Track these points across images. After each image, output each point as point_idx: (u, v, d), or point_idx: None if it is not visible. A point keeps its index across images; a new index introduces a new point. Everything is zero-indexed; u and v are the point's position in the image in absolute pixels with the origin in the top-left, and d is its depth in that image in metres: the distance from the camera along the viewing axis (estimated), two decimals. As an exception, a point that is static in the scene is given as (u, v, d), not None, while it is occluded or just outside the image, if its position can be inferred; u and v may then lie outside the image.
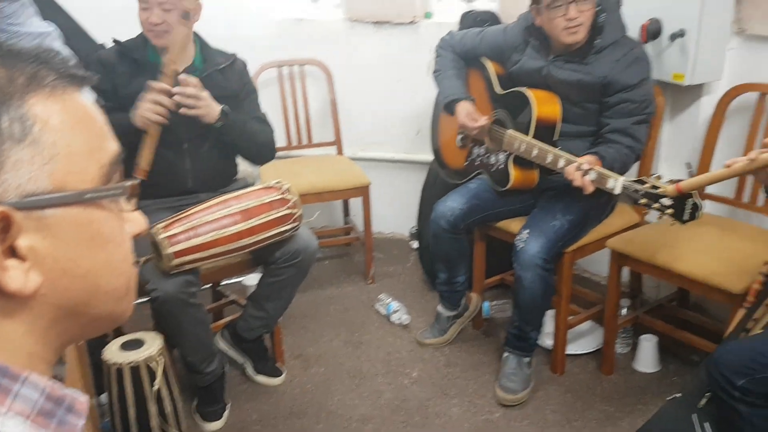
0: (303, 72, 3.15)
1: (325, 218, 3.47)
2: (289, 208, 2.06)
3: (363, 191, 2.91)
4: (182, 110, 2.04)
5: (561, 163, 1.99)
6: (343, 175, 2.93)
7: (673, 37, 2.19)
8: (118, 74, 2.12)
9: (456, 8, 2.95)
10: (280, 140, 2.40)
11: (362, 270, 3.08)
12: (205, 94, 2.06)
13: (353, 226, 3.27)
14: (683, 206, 1.67)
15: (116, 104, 2.07)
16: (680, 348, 2.35)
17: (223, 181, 2.28)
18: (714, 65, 2.26)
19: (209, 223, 1.98)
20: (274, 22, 3.20)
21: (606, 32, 2.07)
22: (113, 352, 1.89)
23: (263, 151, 2.27)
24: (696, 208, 1.67)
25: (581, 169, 1.88)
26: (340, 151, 3.19)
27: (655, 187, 1.72)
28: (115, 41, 2.16)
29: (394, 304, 2.73)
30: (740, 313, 1.80)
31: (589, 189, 1.88)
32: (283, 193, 2.07)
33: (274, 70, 3.09)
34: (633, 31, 2.24)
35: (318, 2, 3.24)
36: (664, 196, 1.70)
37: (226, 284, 2.72)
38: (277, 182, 2.11)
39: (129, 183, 0.60)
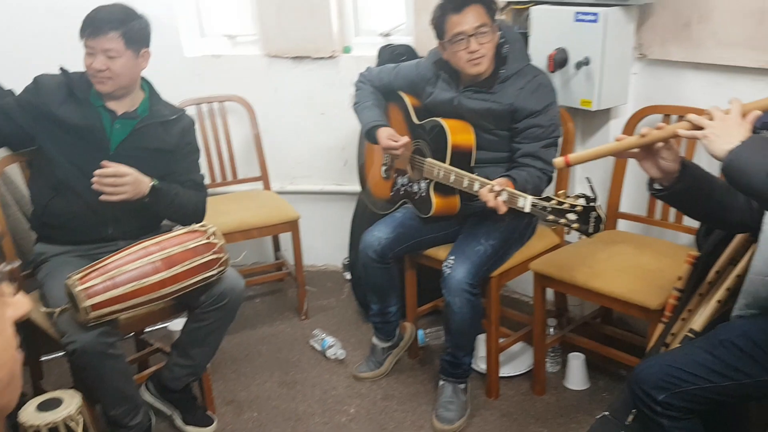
0: (224, 108, 3.12)
1: (255, 254, 3.42)
2: (214, 252, 2.00)
3: (292, 226, 2.88)
4: (102, 197, 2.01)
5: (476, 187, 2.04)
6: (271, 211, 2.89)
7: (579, 65, 2.29)
8: (52, 94, 2.07)
9: (374, 42, 2.99)
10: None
11: (295, 306, 3.04)
12: (129, 178, 2.01)
13: (284, 261, 3.22)
14: (588, 219, 1.73)
15: (31, 114, 2.06)
16: (608, 363, 2.42)
17: (148, 228, 2.19)
18: (619, 90, 2.37)
19: (129, 272, 1.90)
20: (191, 60, 3.18)
21: (510, 62, 2.16)
22: (30, 414, 1.79)
23: (191, 219, 2.15)
24: (599, 220, 1.73)
25: (494, 191, 1.93)
26: (267, 186, 3.16)
27: (561, 203, 1.77)
28: (62, 70, 2.10)
29: (329, 340, 2.70)
30: (659, 329, 1.87)
31: (503, 209, 1.92)
32: (208, 237, 2.01)
33: (193, 108, 3.04)
34: (541, 61, 2.33)
35: (235, 39, 3.22)
36: (570, 211, 1.75)
37: (151, 331, 2.62)
38: (202, 226, 2.05)
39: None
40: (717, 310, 1.71)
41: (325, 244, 3.36)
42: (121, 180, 2.00)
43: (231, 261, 2.08)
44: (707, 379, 1.48)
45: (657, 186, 1.49)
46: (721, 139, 1.25)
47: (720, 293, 1.72)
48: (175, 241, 1.98)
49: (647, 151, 1.42)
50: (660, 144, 1.39)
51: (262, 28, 3.10)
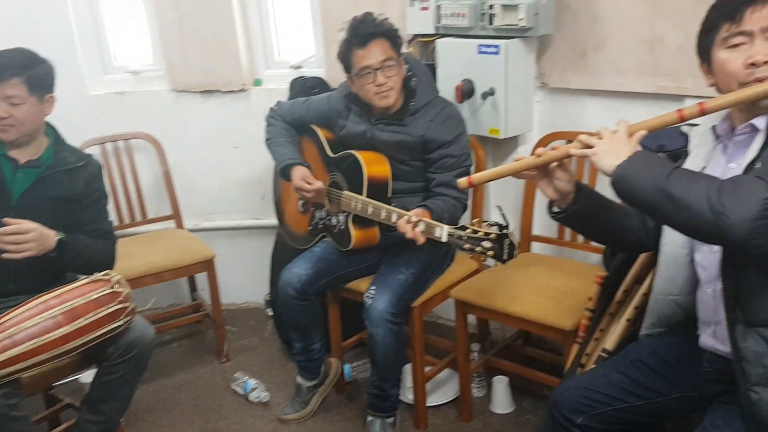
0: (130, 146, 3.01)
1: (171, 296, 3.29)
2: (120, 302, 1.90)
3: (207, 265, 2.79)
4: (4, 256, 1.89)
5: (394, 218, 2.04)
6: (184, 251, 2.79)
7: (485, 95, 2.35)
8: None
9: (285, 75, 2.97)
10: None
11: (215, 348, 2.93)
12: (33, 234, 1.90)
13: (202, 302, 3.11)
14: (502, 247, 1.77)
15: None
16: (531, 384, 2.46)
17: (51, 281, 2.03)
18: (524, 118, 2.45)
19: (29, 329, 1.77)
20: (95, 98, 3.07)
21: (419, 94, 2.20)
22: None
23: (100, 270, 2.03)
24: (512, 246, 1.77)
25: (411, 222, 1.94)
26: (179, 225, 3.06)
27: (476, 231, 1.80)
28: None
29: (252, 382, 2.62)
30: (574, 349, 1.91)
31: (421, 240, 1.93)
32: (112, 286, 1.91)
33: (97, 147, 2.92)
34: (449, 91, 2.38)
35: (140, 74, 3.12)
36: (485, 239, 1.78)
37: (60, 385, 2.46)
38: (105, 274, 1.95)
39: None
40: (627, 328, 1.77)
41: (245, 281, 3.28)
42: (24, 237, 1.89)
43: (142, 307, 1.98)
44: (622, 399, 1.52)
45: (555, 209, 1.53)
46: (609, 155, 1.29)
47: (629, 312, 1.78)
48: (77, 292, 1.87)
49: (543, 172, 1.46)
50: (554, 164, 1.44)
51: (167, 63, 3.03)
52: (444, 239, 1.87)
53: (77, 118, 2.89)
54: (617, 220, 1.55)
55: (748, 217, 1.11)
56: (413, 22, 2.59)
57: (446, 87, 2.41)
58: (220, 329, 2.86)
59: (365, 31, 2.11)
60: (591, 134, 1.37)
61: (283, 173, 2.38)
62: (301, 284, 2.29)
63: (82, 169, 2.09)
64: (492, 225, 1.78)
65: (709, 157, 1.43)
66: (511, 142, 2.54)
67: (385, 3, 2.67)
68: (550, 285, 2.21)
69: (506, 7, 2.26)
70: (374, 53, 2.10)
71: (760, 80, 1.27)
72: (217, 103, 3.05)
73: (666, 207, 1.20)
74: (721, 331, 1.38)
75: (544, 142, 2.42)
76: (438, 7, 2.47)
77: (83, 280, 1.93)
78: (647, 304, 1.70)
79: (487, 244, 1.78)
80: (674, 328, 1.58)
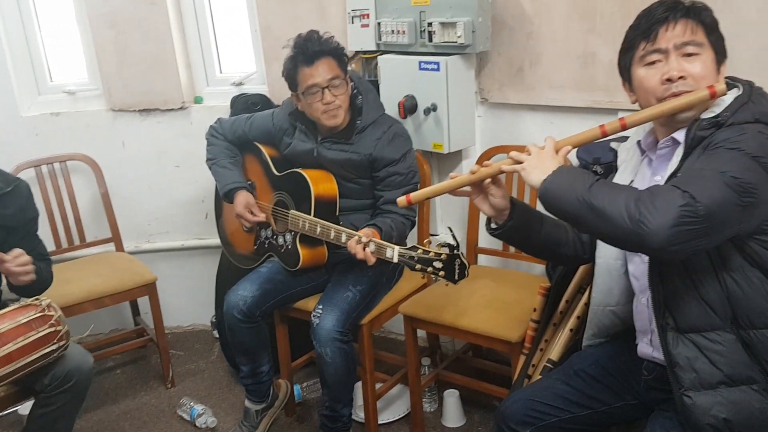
0: (66, 168, 2.91)
1: (112, 321, 3.19)
2: (51, 325, 1.83)
3: (149, 288, 2.71)
4: (22, 278, 1.91)
5: (344, 238, 2.03)
6: (124, 274, 2.71)
7: (427, 111, 2.38)
8: None
9: (226, 92, 2.94)
10: (47, 245, 2.17)
11: (160, 373, 2.85)
12: (27, 258, 1.90)
13: (144, 327, 3.02)
14: (453, 267, 1.78)
15: None
16: (482, 397, 2.48)
17: None
18: (467, 132, 2.48)
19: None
20: (29, 119, 2.96)
21: (365, 113, 2.20)
22: None
23: (36, 293, 1.99)
24: (463, 267, 1.78)
25: (361, 242, 1.93)
26: (119, 248, 2.97)
27: (427, 252, 1.81)
28: None
29: (198, 408, 2.55)
30: (521, 360, 1.94)
31: (371, 260, 1.93)
32: (43, 310, 1.84)
33: (31, 170, 2.81)
34: (392, 107, 2.39)
35: (76, 94, 3.03)
36: (436, 260, 1.79)
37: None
38: (35, 299, 1.88)
39: None
40: (570, 338, 1.80)
41: (190, 303, 3.21)
42: (25, 259, 1.86)
43: (81, 334, 1.92)
44: (567, 410, 1.54)
45: (493, 225, 1.57)
46: (536, 170, 1.33)
47: (571, 322, 1.82)
48: (6, 317, 1.82)
49: (479, 189, 1.49)
50: (488, 181, 1.48)
51: (103, 82, 2.95)
52: (395, 260, 1.87)
53: (10, 140, 2.81)
54: (553, 235, 1.59)
55: (666, 224, 1.15)
56: (354, 39, 2.60)
57: (389, 103, 2.42)
58: (164, 354, 2.78)
59: (312, 49, 2.10)
60: (521, 150, 1.41)
61: (226, 197, 2.35)
62: (247, 307, 2.25)
63: (13, 195, 2.01)
64: (443, 246, 1.79)
65: (636, 171, 1.49)
66: (455, 157, 2.57)
67: (325, 20, 2.68)
68: (496, 297, 2.23)
69: (444, 25, 2.30)
70: (321, 71, 2.09)
71: (675, 95, 1.32)
72: (157, 121, 2.99)
73: (589, 218, 1.24)
74: (657, 340, 1.42)
75: (486, 155, 2.45)
76: (378, 25, 2.49)
77: (11, 306, 1.87)
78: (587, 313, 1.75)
79: (438, 264, 1.79)
80: (615, 338, 1.62)
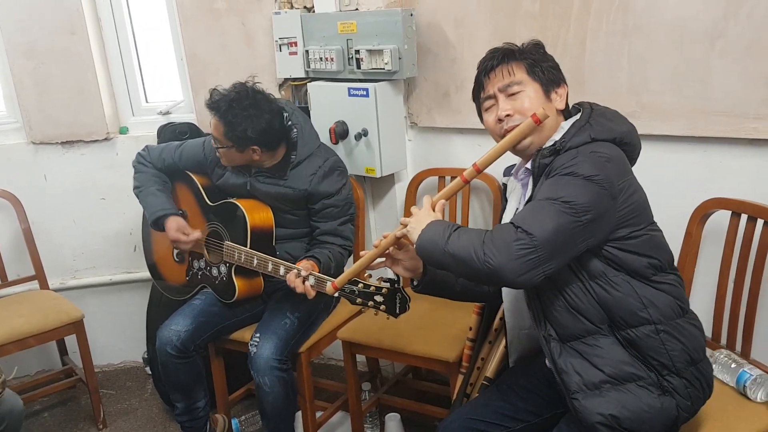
0: (-18, 205, 2.77)
1: (39, 362, 3.05)
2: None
3: (76, 326, 2.60)
4: None
5: (282, 271, 2.02)
6: (49, 313, 2.58)
7: (358, 136, 2.41)
8: None
9: (153, 121, 2.88)
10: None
11: (91, 414, 2.73)
12: None
13: (73, 367, 2.89)
14: (394, 301, 1.80)
15: None
16: (423, 418, 2.48)
17: None
18: (398, 156, 2.52)
19: None
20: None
21: (300, 147, 2.18)
22: None
23: None
24: (405, 300, 1.80)
25: (300, 276, 1.92)
26: (44, 285, 2.84)
27: (367, 286, 1.82)
28: None
29: (132, 448, 2.45)
30: (459, 380, 1.96)
31: (311, 294, 1.93)
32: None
33: (-57, 209, 2.67)
34: (323, 133, 2.41)
35: (-9, 126, 2.90)
36: (377, 294, 1.80)
37: None
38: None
39: None
40: (505, 355, 1.84)
41: (121, 339, 3.10)
42: None
43: (7, 377, 1.83)
44: (504, 425, 1.58)
45: (415, 282, 1.65)
46: (415, 230, 1.45)
47: (506, 339, 1.86)
48: None
49: (390, 258, 1.61)
50: (393, 249, 1.58)
51: (23, 114, 2.84)
52: (336, 294, 1.87)
53: None
54: (457, 282, 1.66)
55: (506, 260, 1.27)
56: (283, 67, 2.61)
57: (320, 129, 2.43)
58: (94, 394, 2.67)
59: (223, 111, 2.08)
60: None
61: (155, 225, 2.29)
62: (181, 342, 2.19)
63: None
64: (385, 280, 1.80)
65: (520, 194, 1.60)
66: (388, 180, 2.60)
67: (253, 48, 2.68)
68: (433, 318, 2.26)
69: (372, 52, 2.34)
70: (214, 127, 2.12)
71: (508, 131, 1.47)
72: (80, 153, 2.90)
73: (452, 264, 1.36)
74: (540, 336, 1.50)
75: (418, 179, 2.50)
76: (306, 52, 2.51)
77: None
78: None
79: (379, 298, 1.79)
80: (539, 354, 1.67)
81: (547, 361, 1.48)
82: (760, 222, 1.77)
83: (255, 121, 2.05)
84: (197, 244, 2.29)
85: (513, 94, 1.48)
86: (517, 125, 1.45)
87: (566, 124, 1.48)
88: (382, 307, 1.78)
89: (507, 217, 1.63)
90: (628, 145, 1.46)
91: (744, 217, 1.81)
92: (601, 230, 1.36)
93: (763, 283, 1.77)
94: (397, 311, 1.77)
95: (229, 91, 2.09)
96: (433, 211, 1.48)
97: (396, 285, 1.77)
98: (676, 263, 1.56)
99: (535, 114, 1.42)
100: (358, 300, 1.81)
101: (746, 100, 1.89)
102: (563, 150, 1.40)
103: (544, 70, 1.50)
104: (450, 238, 1.37)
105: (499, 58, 1.52)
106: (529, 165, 1.48)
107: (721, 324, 1.87)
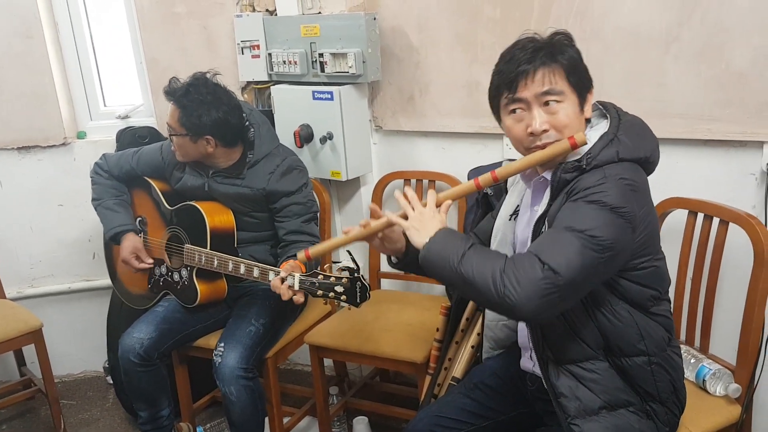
0: (-66, 213, 2.68)
1: (-5, 374, 2.96)
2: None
3: (35, 336, 2.52)
4: None
5: (242, 269, 2.00)
6: (6, 322, 2.50)
7: (323, 140, 2.40)
8: None
9: (112, 125, 2.83)
10: None
11: (51, 426, 2.65)
12: None
13: (32, 377, 2.81)
14: (354, 291, 1.79)
15: None
16: (391, 421, 2.49)
17: None
18: (363, 159, 2.53)
19: None
20: None
21: (257, 146, 2.17)
22: None
23: None
24: (365, 289, 1.80)
25: (280, 277, 1.86)
26: (0, 294, 2.75)
27: (327, 277, 1.81)
28: None
29: (94, 460, 2.40)
30: (427, 381, 1.97)
31: (301, 300, 1.85)
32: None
33: None
34: (288, 137, 2.40)
35: (-58, 132, 2.81)
36: (338, 284, 1.80)
37: None
38: None
39: None
40: (472, 355, 1.86)
41: (81, 349, 3.03)
42: None
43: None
44: (469, 422, 1.59)
45: (393, 259, 1.62)
46: (420, 232, 1.36)
47: (473, 339, 1.88)
48: None
49: (372, 237, 1.53)
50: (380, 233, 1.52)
51: (-24, 119, 2.76)
52: (296, 287, 1.85)
53: None
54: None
55: (528, 298, 1.19)
56: (245, 70, 2.59)
57: (285, 132, 2.43)
58: (54, 404, 2.60)
59: (179, 97, 2.08)
60: (424, 184, 1.46)
61: (113, 240, 2.27)
62: (144, 350, 2.15)
63: None
64: (343, 269, 1.80)
65: (522, 196, 1.56)
66: (354, 184, 2.60)
67: (214, 51, 2.66)
68: (400, 320, 2.27)
69: (336, 56, 2.35)
70: (169, 115, 2.11)
71: (539, 147, 1.36)
72: (37, 159, 2.82)
73: (461, 287, 1.29)
74: (537, 357, 1.48)
75: (383, 182, 2.51)
76: (269, 55, 2.50)
77: None
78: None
79: (339, 288, 1.79)
80: (512, 348, 1.69)
81: (544, 383, 1.45)
82: (716, 220, 1.82)
83: (211, 110, 2.03)
84: (157, 250, 2.26)
85: (549, 104, 1.34)
86: (551, 143, 1.34)
87: (593, 135, 1.36)
88: (343, 297, 1.78)
89: (504, 212, 1.58)
90: (652, 164, 1.38)
91: (701, 216, 1.87)
92: (617, 265, 1.30)
93: (720, 280, 1.82)
94: (358, 300, 1.77)
95: (188, 78, 2.08)
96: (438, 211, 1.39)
97: (355, 274, 1.77)
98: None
99: (573, 138, 1.31)
100: (319, 292, 1.80)
101: (700, 103, 1.95)
102: (588, 167, 1.31)
103: (581, 75, 1.37)
104: (464, 257, 1.27)
105: (542, 57, 1.34)
106: (547, 175, 1.39)
107: (680, 320, 1.92)
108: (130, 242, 2.23)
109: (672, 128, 2.00)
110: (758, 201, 1.94)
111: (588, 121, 1.43)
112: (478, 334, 1.86)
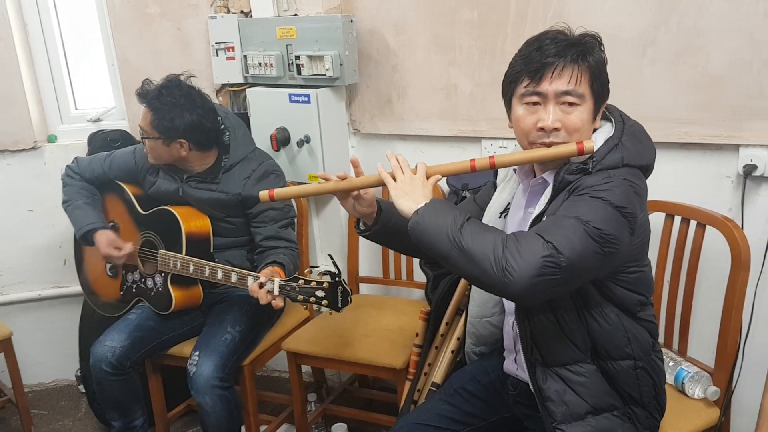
0: None
1: (-39, 386, 2.86)
2: None
3: (4, 344, 2.46)
4: None
5: (219, 275, 1.96)
6: (-26, 333, 2.44)
7: (300, 143, 2.37)
8: None
9: (83, 129, 2.77)
10: None
11: (21, 438, 2.59)
12: None
13: (1, 386, 2.74)
14: (336, 295, 1.77)
15: None
16: (370, 427, 2.46)
17: None
18: (341, 163, 2.49)
19: None
20: None
21: (233, 150, 2.13)
22: None
23: None
24: (346, 293, 1.77)
25: (260, 283, 1.83)
26: (-34, 303, 2.68)
27: (308, 282, 1.78)
28: None
29: (65, 472, 2.33)
30: (407, 386, 1.95)
31: (281, 304, 1.82)
32: None
33: None
34: (264, 140, 2.36)
35: None
36: (318, 289, 1.77)
37: None
38: None
39: None
40: (452, 360, 1.85)
41: (52, 357, 2.96)
42: None
43: None
44: (449, 429, 1.56)
45: (362, 226, 1.55)
46: (408, 197, 1.31)
47: (452, 343, 1.87)
48: None
49: (345, 193, 1.48)
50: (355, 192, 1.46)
51: (-59, 123, 2.68)
52: (276, 292, 1.82)
53: None
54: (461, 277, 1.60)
55: (529, 274, 1.16)
56: (220, 72, 2.55)
57: (261, 136, 2.40)
58: (25, 414, 2.54)
59: (152, 99, 2.03)
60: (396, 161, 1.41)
61: (84, 239, 2.20)
62: (116, 358, 2.10)
63: None
64: (324, 274, 1.77)
65: (513, 193, 1.53)
66: (330, 187, 2.57)
67: (188, 53, 2.62)
68: (379, 325, 2.24)
69: (312, 58, 2.32)
70: (143, 117, 2.05)
71: (546, 144, 1.32)
72: (6, 163, 2.75)
73: (457, 258, 1.23)
74: (521, 360, 1.47)
75: (361, 185, 2.48)
76: (245, 58, 2.46)
77: None
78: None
79: (320, 293, 1.76)
80: (492, 352, 1.68)
81: (531, 386, 1.42)
82: (693, 223, 1.83)
83: (184, 113, 1.98)
84: (131, 257, 2.21)
85: (566, 105, 1.30)
86: (558, 143, 1.30)
87: (598, 139, 1.34)
88: (324, 302, 1.75)
89: (494, 208, 1.53)
90: (649, 172, 1.37)
91: (678, 219, 1.87)
92: (612, 264, 1.28)
93: (697, 283, 1.83)
94: (339, 305, 1.75)
95: (161, 81, 2.04)
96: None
97: (337, 278, 1.74)
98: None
99: (582, 144, 1.27)
100: (300, 297, 1.78)
101: (676, 106, 1.96)
102: (593, 170, 1.29)
103: (603, 82, 1.34)
104: (464, 227, 1.22)
105: (573, 54, 1.29)
106: (548, 177, 1.36)
107: (658, 323, 1.92)
108: (104, 236, 2.16)
109: (649, 131, 1.99)
110: (734, 204, 1.96)
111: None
112: (458, 339, 1.84)
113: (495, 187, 1.59)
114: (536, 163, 1.40)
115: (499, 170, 1.58)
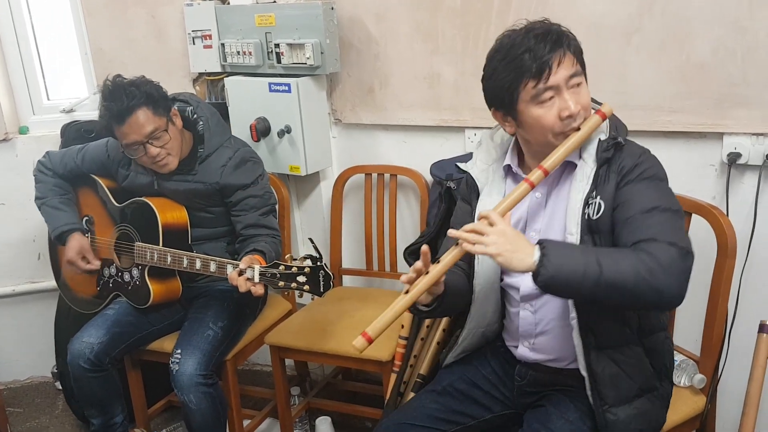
0: None
1: (-69, 385, 2.79)
2: None
3: (-24, 343, 2.40)
4: None
5: (198, 265, 1.92)
6: (-56, 331, 2.37)
7: (281, 133, 2.33)
8: None
9: (56, 120, 2.69)
10: None
11: (-5, 438, 2.52)
12: None
13: (-26, 387, 2.68)
14: (317, 279, 1.74)
15: None
16: (355, 420, 2.44)
17: None
18: (323, 154, 2.46)
19: None
20: None
21: (208, 140, 2.08)
22: None
23: None
24: (328, 277, 1.74)
25: (239, 270, 1.79)
26: (-63, 300, 2.60)
27: (289, 267, 1.75)
28: None
29: (43, 472, 2.28)
30: (393, 379, 1.93)
31: (260, 291, 1.78)
32: None
33: None
34: (244, 130, 2.31)
35: None
36: (300, 274, 1.74)
37: None
38: None
39: None
40: (438, 351, 1.83)
41: (27, 354, 2.90)
42: None
43: None
44: (438, 429, 1.54)
45: (422, 307, 1.49)
46: (516, 254, 1.25)
47: (438, 335, 1.85)
48: None
49: (438, 283, 1.40)
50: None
51: None
52: (256, 279, 1.78)
53: None
54: (464, 299, 1.56)
55: (681, 284, 1.24)
56: (197, 61, 2.50)
57: (241, 126, 2.35)
58: (0, 413, 2.47)
59: (118, 108, 1.90)
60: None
61: (60, 240, 2.16)
62: (94, 355, 2.04)
63: None
64: (305, 258, 1.74)
65: (503, 191, 1.52)
66: (314, 178, 2.53)
67: (163, 41, 2.55)
68: (363, 317, 2.22)
69: (293, 46, 2.27)
70: (136, 128, 1.92)
71: (575, 129, 1.36)
72: (-24, 156, 2.68)
73: (604, 295, 1.23)
74: (541, 343, 1.48)
75: (344, 176, 2.45)
76: (222, 46, 2.41)
77: None
78: (454, 325, 1.78)
79: (302, 278, 1.73)
80: (477, 353, 1.66)
81: (581, 370, 1.41)
82: (677, 212, 1.82)
83: (132, 87, 1.91)
84: (105, 249, 2.15)
85: (574, 87, 1.35)
86: (580, 123, 1.36)
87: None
88: (306, 287, 1.73)
89: (486, 205, 1.49)
90: None
91: (662, 207, 1.87)
92: None
93: (682, 271, 1.83)
94: (322, 290, 1.72)
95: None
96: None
97: (318, 262, 1.71)
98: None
99: (600, 111, 1.36)
100: (281, 283, 1.74)
101: (661, 94, 1.95)
102: (621, 144, 1.38)
103: (582, 59, 1.40)
104: (602, 264, 1.21)
105: (560, 41, 1.34)
106: (572, 158, 1.39)
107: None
108: (77, 242, 2.13)
109: (633, 120, 1.97)
110: (718, 192, 1.96)
111: None
112: (444, 330, 1.83)
113: (478, 194, 1.54)
114: (536, 153, 1.44)
115: (475, 176, 1.56)
